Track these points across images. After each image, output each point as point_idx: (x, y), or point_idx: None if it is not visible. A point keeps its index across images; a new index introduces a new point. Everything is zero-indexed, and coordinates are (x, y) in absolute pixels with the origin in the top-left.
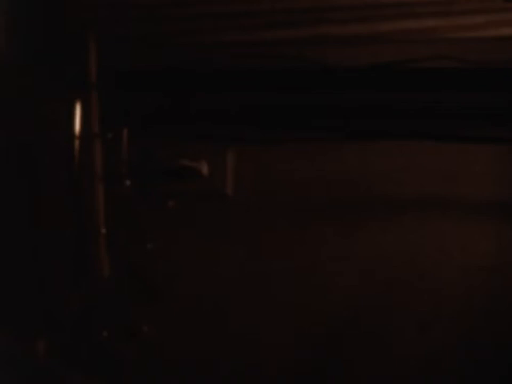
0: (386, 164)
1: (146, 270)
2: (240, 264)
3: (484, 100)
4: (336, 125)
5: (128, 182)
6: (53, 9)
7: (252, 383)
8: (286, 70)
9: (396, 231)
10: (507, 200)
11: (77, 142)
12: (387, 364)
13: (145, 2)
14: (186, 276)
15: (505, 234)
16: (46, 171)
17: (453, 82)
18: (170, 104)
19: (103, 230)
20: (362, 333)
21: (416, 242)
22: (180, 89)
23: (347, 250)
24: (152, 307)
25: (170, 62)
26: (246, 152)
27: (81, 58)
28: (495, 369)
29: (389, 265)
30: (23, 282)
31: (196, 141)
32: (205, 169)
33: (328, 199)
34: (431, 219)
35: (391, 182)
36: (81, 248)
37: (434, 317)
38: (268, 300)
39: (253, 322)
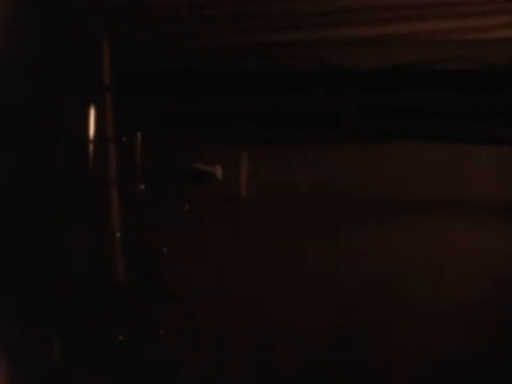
0: (398, 165)
1: (161, 273)
2: (255, 266)
3: (497, 101)
4: (349, 127)
5: (142, 186)
6: (67, 12)
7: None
8: (299, 72)
9: (406, 231)
10: None
11: (91, 146)
12: (391, 365)
13: (159, 4)
14: (202, 279)
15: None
16: (60, 175)
17: (466, 84)
18: (185, 107)
19: (118, 234)
20: (368, 332)
21: (424, 243)
22: (194, 92)
23: (361, 251)
24: (168, 310)
25: (186, 64)
26: (260, 155)
27: (95, 62)
28: (500, 371)
29: (398, 265)
30: (39, 285)
31: (210, 144)
32: (219, 172)
33: (343, 200)
34: (439, 220)
35: (404, 183)
36: (96, 252)
37: (439, 318)
38: (283, 301)
39: (269, 325)
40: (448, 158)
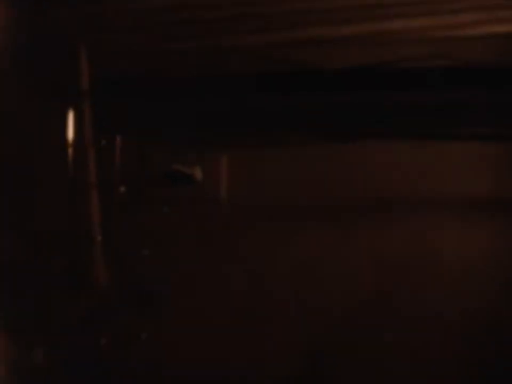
0: (383, 164)
1: (142, 275)
2: (235, 268)
3: (475, 98)
4: (329, 127)
5: (122, 189)
6: (44, 19)
7: None
8: (276, 72)
9: (393, 231)
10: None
11: (70, 150)
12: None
13: (136, 10)
14: (182, 282)
15: (505, 232)
16: (40, 180)
17: (445, 81)
18: (163, 110)
19: (99, 238)
20: (360, 336)
21: (412, 241)
22: (172, 95)
23: (344, 252)
24: (149, 314)
25: (162, 68)
26: (239, 157)
27: (74, 67)
28: (498, 371)
29: (385, 266)
30: (20, 289)
31: (190, 147)
32: (199, 174)
33: (323, 201)
34: (428, 218)
35: (389, 182)
36: (76, 256)
37: (431, 318)
38: (266, 303)
39: (253, 328)
40: (426, 156)
